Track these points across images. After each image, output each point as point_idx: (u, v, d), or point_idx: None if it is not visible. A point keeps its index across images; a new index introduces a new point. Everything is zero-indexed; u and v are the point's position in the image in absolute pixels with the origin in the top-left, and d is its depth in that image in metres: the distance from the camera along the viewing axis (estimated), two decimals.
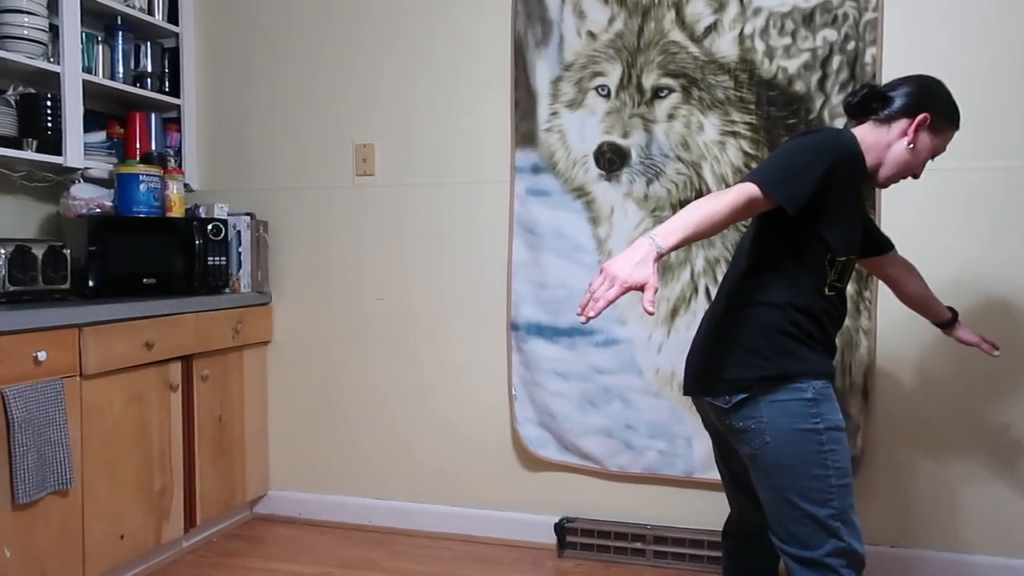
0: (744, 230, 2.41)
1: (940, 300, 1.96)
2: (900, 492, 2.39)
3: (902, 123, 1.58)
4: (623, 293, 1.34)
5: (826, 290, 1.56)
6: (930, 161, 1.65)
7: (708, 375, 1.60)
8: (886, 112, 1.59)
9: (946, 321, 1.96)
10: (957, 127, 1.64)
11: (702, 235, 1.40)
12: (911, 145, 1.58)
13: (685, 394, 1.69)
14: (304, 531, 2.87)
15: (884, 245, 1.88)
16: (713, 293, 2.46)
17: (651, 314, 1.33)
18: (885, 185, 1.64)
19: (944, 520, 2.36)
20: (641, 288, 1.33)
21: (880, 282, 2.33)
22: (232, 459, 2.81)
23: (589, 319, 1.36)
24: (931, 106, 1.58)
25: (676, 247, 1.38)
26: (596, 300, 1.34)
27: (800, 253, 1.54)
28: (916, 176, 1.65)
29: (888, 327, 2.36)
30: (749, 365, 1.53)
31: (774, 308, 1.54)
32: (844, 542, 1.50)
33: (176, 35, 2.96)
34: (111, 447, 2.29)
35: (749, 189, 1.43)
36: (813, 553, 1.50)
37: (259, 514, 3.02)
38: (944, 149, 1.64)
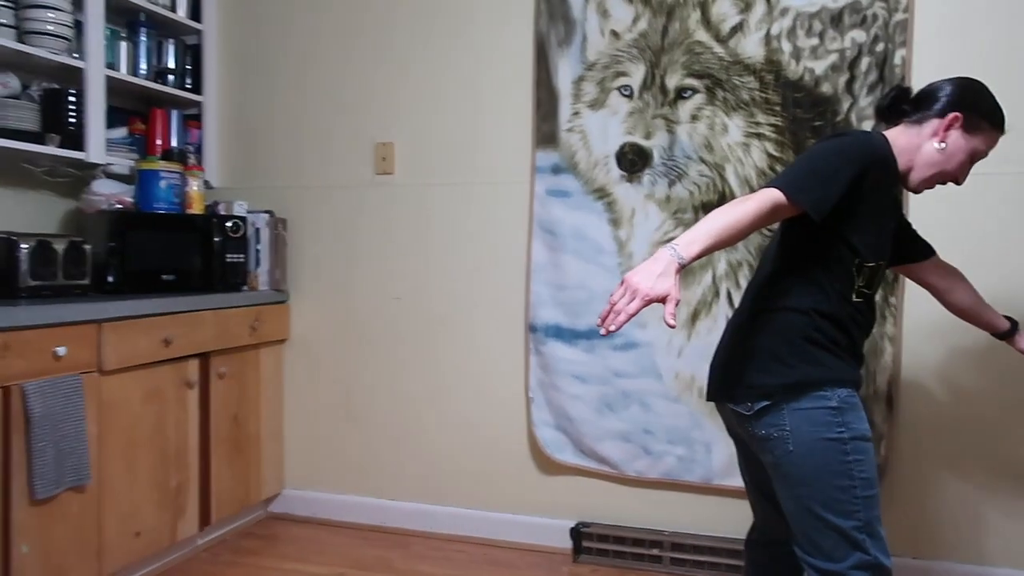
0: (769, 234, 2.38)
1: (994, 309, 1.83)
2: (923, 502, 2.35)
3: (933, 123, 1.55)
4: (644, 306, 1.32)
5: (853, 296, 1.52)
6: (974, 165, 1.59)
7: (730, 381, 1.57)
8: (918, 114, 1.56)
9: (1005, 331, 1.83)
10: (1000, 129, 1.58)
11: (725, 243, 1.37)
12: (942, 145, 1.54)
13: (708, 399, 1.66)
14: (319, 531, 2.86)
15: (923, 251, 1.79)
16: (735, 297, 2.43)
17: (672, 327, 1.30)
18: (919, 189, 1.59)
19: (968, 532, 2.31)
20: (663, 300, 1.31)
21: (907, 287, 2.29)
22: (248, 457, 2.80)
23: (609, 332, 1.34)
24: (964, 106, 1.54)
25: (699, 256, 1.35)
26: (617, 314, 1.33)
27: (827, 258, 1.50)
28: (957, 182, 1.59)
29: (914, 333, 2.31)
30: (772, 371, 1.50)
31: (799, 313, 1.50)
32: (870, 555, 1.46)
33: (198, 32, 2.96)
34: (128, 444, 2.28)
35: (773, 195, 1.40)
36: (837, 566, 1.47)
37: (274, 513, 3.02)
38: (986, 153, 1.58)
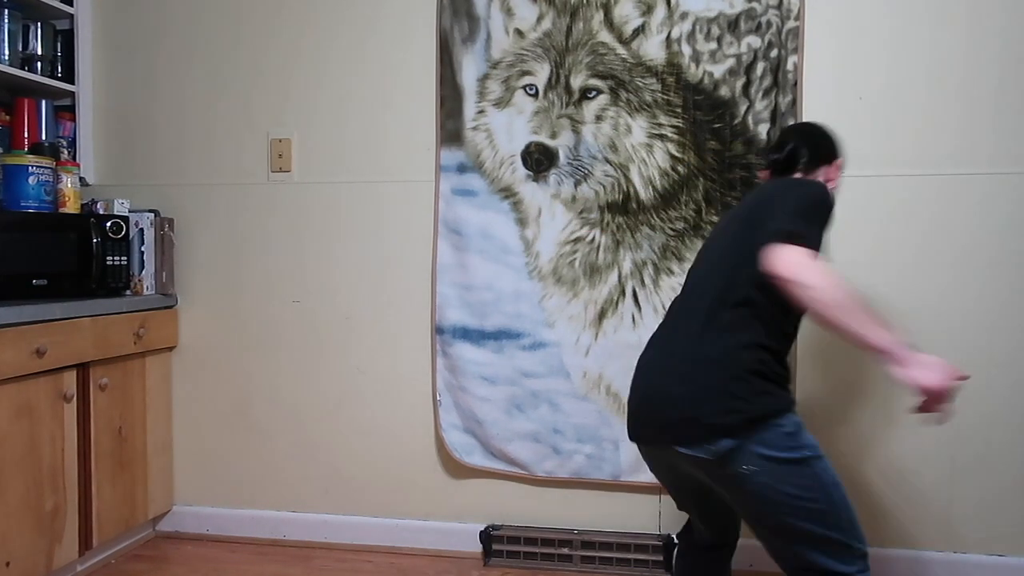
0: (673, 233, 2.43)
1: None
2: None
3: (823, 169, 1.77)
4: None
5: (791, 330, 1.59)
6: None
7: (682, 424, 1.52)
8: (809, 162, 1.75)
9: None
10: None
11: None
12: (833, 185, 1.75)
13: (645, 443, 1.63)
14: (213, 548, 2.70)
15: None
16: (640, 296, 2.47)
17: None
18: None
19: (862, 516, 2.43)
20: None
21: None
22: (133, 474, 2.61)
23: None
24: (837, 149, 1.80)
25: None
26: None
27: (779, 296, 1.48)
28: None
29: (806, 328, 2.42)
30: (731, 410, 1.48)
31: (749, 349, 1.51)
32: (864, 550, 1.53)
33: (70, 16, 2.74)
34: None
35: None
36: (849, 568, 1.51)
37: (163, 532, 2.83)
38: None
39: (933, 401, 1.46)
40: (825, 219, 1.55)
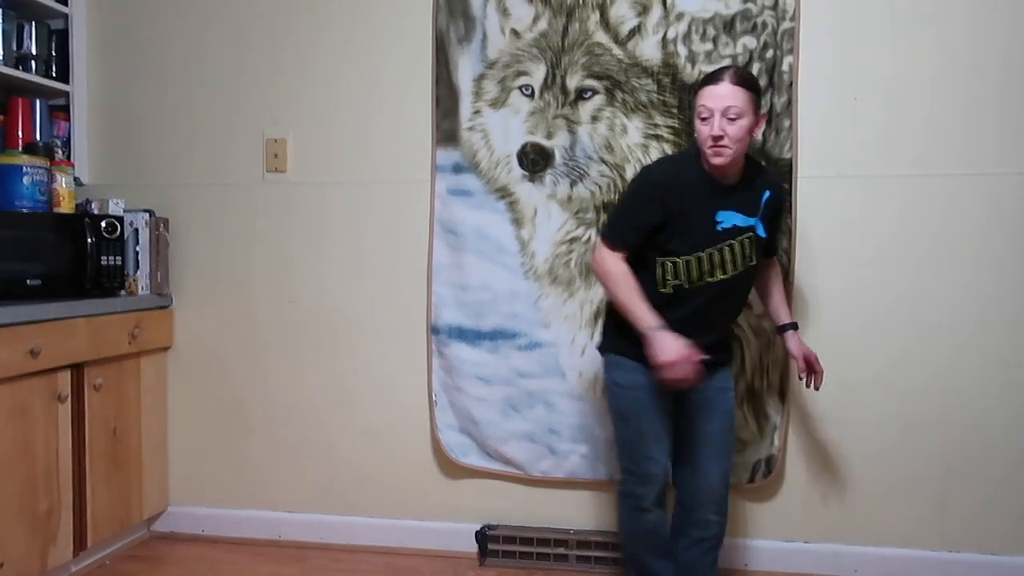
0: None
1: (786, 307, 2.21)
2: (816, 488, 2.46)
3: None
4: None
5: (659, 300, 1.96)
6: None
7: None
8: None
9: (781, 326, 2.17)
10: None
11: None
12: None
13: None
14: (208, 548, 2.70)
15: None
16: None
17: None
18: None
19: (859, 515, 2.44)
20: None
21: (795, 285, 2.40)
22: (128, 474, 2.60)
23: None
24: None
25: None
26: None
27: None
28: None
29: (804, 328, 2.42)
30: (603, 335, 2.21)
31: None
32: (632, 469, 2.07)
33: (65, 16, 2.72)
34: None
35: None
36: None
37: (158, 532, 2.82)
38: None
39: (671, 376, 1.86)
40: (630, 206, 2.00)
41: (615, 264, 1.95)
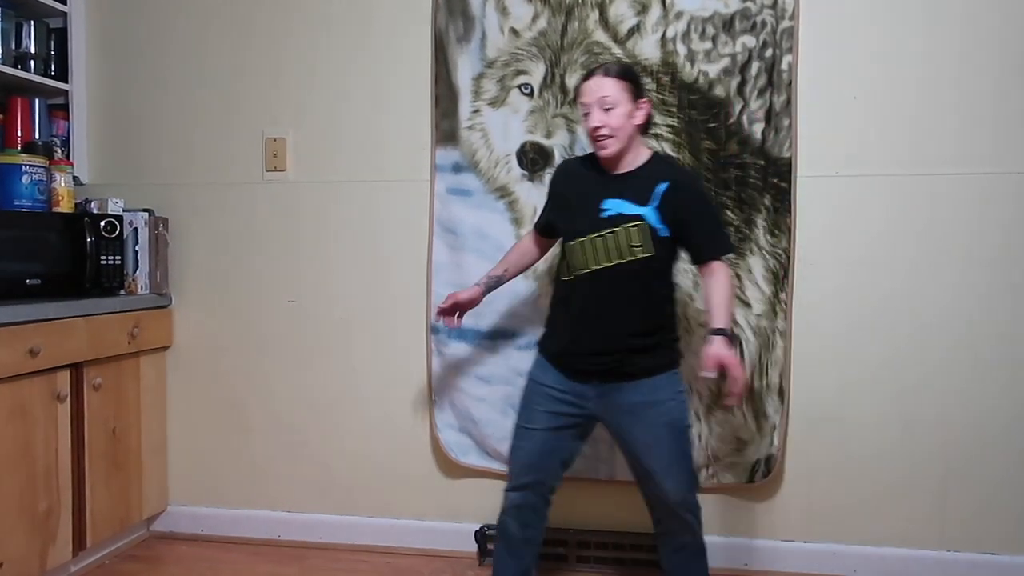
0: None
1: (721, 311, 1.90)
2: (815, 489, 2.46)
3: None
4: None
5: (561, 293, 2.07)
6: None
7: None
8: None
9: (711, 331, 1.89)
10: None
11: None
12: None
13: None
14: (207, 548, 2.70)
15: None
16: None
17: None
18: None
19: (858, 514, 2.44)
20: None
21: (795, 283, 2.40)
22: (127, 474, 2.60)
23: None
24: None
25: None
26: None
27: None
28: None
29: (803, 328, 2.42)
30: None
31: None
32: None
33: (64, 14, 2.72)
34: None
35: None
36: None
37: (158, 532, 2.82)
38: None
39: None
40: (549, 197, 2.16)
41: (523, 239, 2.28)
